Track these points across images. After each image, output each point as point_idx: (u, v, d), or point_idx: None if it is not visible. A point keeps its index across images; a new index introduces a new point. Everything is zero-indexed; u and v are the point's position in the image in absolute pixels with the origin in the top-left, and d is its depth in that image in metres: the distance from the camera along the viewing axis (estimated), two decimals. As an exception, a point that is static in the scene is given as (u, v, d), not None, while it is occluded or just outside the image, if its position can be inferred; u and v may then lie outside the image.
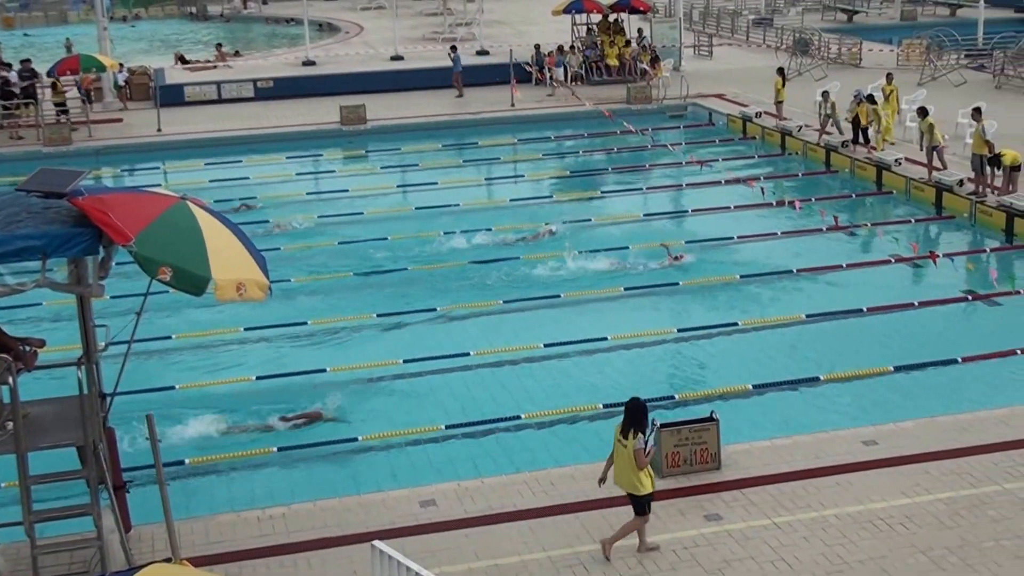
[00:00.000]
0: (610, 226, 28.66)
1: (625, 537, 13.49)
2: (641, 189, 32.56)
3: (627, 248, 26.31)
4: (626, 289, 23.73)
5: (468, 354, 20.44)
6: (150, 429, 12.48)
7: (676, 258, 25.50)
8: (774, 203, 29.60)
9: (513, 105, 42.56)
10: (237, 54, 56.34)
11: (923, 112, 30.90)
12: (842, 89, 38.39)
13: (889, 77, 35.69)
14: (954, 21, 62.36)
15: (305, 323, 22.37)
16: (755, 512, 14.30)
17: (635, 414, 13.14)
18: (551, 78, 46.33)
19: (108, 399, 12.98)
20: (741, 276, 24.41)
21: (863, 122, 33.27)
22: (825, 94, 35.04)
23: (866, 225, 27.83)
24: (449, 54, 46.41)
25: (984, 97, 38.14)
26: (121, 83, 45.23)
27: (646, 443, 13.16)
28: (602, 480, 13.53)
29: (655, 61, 46.24)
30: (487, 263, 25.78)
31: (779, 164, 35.35)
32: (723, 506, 14.47)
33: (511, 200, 31.65)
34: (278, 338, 21.85)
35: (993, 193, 27.97)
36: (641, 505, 13.36)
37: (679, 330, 21.48)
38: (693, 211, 29.52)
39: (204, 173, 35.41)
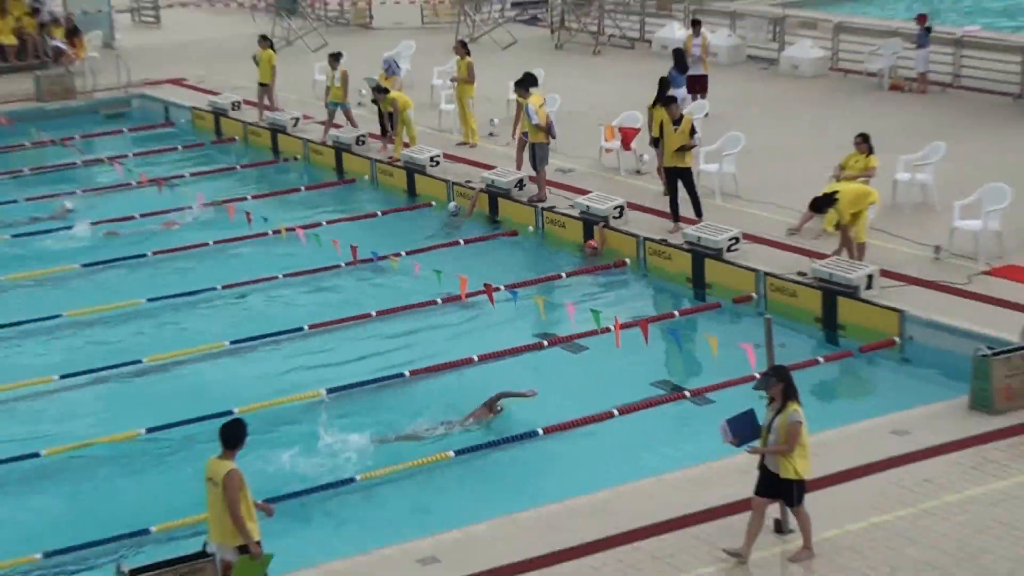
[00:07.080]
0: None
1: None
2: (73, 226, 21.81)
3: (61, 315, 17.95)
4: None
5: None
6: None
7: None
8: (283, 232, 20.36)
9: None
10: None
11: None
12: (353, 61, 27.15)
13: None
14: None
15: None
16: None
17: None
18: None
19: None
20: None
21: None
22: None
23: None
24: None
25: (543, 61, 29.34)
26: None
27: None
28: None
29: (74, 35, 32.00)
30: None
31: (272, 176, 25.45)
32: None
33: None
34: None
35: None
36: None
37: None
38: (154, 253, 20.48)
39: None
